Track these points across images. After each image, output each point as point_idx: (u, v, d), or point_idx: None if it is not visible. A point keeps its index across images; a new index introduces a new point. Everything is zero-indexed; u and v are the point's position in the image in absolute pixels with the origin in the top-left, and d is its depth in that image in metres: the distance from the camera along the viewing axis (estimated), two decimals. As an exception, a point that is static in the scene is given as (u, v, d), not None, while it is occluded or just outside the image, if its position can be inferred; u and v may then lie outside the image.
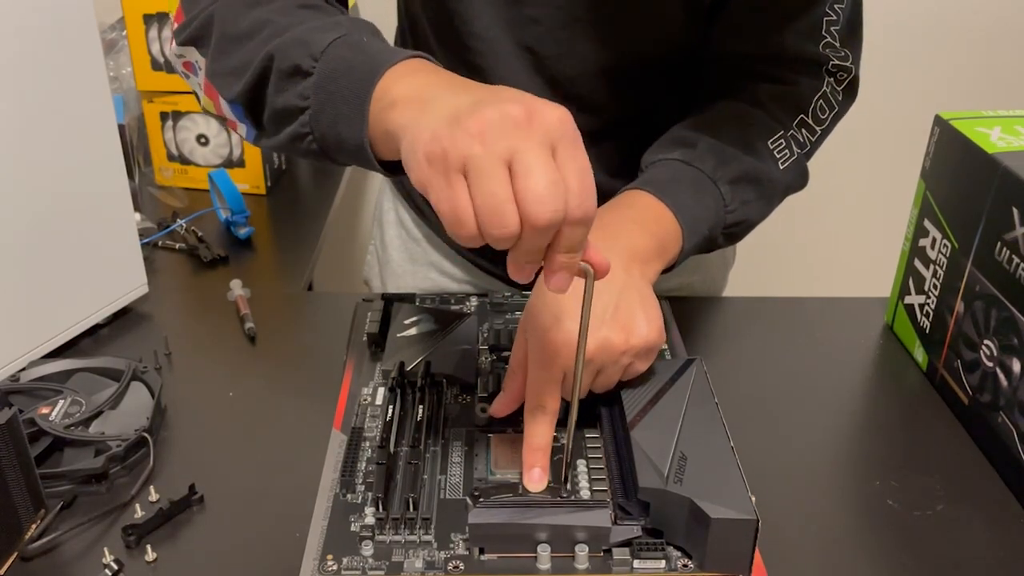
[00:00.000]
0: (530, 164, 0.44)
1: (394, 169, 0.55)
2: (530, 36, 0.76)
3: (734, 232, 0.74)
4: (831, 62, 0.75)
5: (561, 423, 0.60)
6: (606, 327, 0.60)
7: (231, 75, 0.61)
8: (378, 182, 1.08)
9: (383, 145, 0.54)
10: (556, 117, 0.46)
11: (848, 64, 0.76)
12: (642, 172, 0.73)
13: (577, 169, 0.46)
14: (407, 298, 0.81)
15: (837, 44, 0.74)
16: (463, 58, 0.79)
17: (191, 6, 0.64)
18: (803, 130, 0.75)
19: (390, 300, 0.79)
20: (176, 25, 0.66)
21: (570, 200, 0.45)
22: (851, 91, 0.78)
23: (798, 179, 0.78)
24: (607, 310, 0.60)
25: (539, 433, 0.58)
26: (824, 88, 0.76)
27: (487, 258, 0.93)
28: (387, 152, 0.54)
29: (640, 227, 0.67)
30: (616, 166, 0.81)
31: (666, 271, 0.69)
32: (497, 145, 0.45)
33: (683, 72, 0.82)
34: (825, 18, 0.73)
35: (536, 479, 0.57)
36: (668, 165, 0.71)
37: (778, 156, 0.73)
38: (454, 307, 0.81)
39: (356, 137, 0.55)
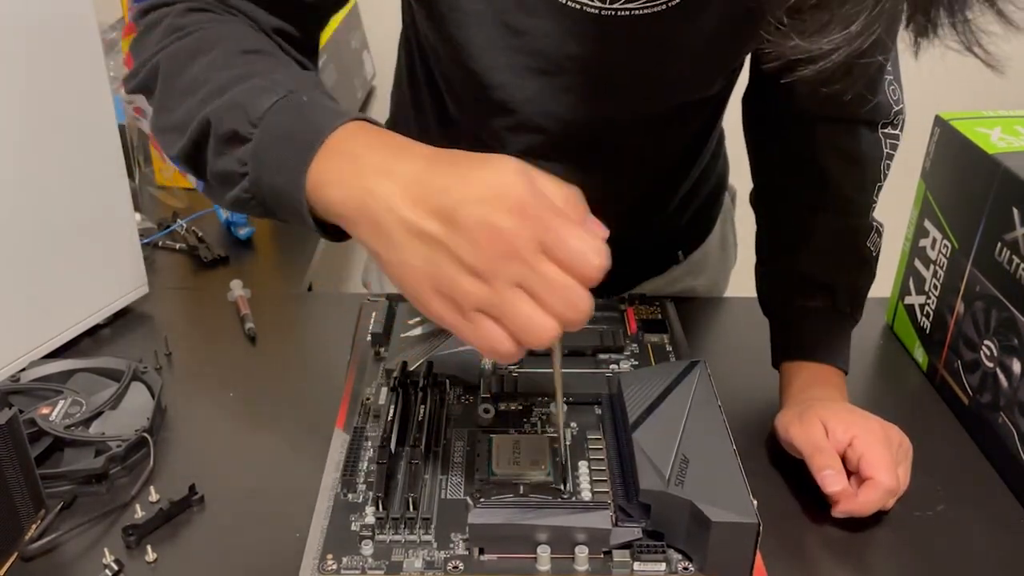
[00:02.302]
0: (541, 290, 0.45)
1: (338, 234, 0.54)
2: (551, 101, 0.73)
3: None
4: (892, 110, 0.75)
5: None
6: None
7: (172, 132, 0.59)
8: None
9: (324, 211, 0.53)
10: (554, 208, 0.46)
11: (901, 106, 0.76)
12: (785, 316, 0.76)
13: (587, 251, 0.46)
14: (408, 298, 0.81)
15: (895, 97, 0.75)
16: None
17: (139, 52, 0.62)
18: (879, 190, 0.77)
19: (394, 300, 0.79)
20: (126, 71, 0.63)
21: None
22: (903, 124, 0.78)
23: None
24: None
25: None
26: (885, 150, 0.77)
27: None
28: (330, 214, 0.53)
29: (831, 395, 0.70)
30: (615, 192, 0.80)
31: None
32: (504, 277, 0.45)
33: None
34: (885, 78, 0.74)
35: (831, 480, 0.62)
36: (817, 316, 0.75)
37: (873, 249, 0.76)
38: (455, 307, 0.80)
39: (296, 207, 0.53)
